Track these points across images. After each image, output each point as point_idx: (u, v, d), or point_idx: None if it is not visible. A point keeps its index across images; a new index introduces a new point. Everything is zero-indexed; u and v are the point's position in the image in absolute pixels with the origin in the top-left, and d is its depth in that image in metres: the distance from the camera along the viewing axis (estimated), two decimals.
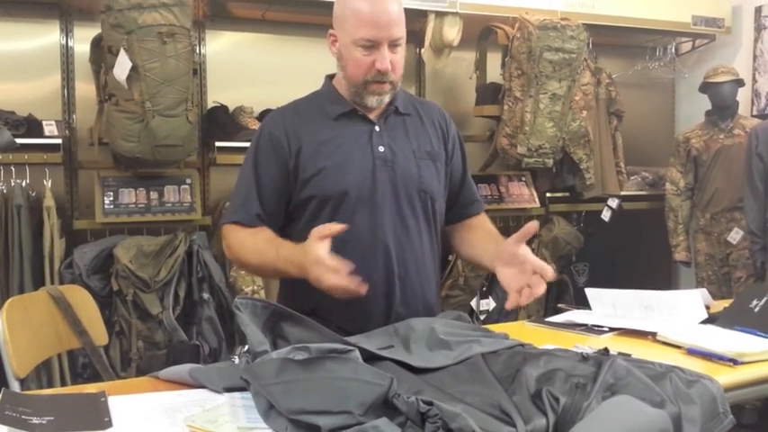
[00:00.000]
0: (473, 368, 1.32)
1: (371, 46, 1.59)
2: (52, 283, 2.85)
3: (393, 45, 1.61)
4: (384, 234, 1.65)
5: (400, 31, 1.62)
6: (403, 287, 1.67)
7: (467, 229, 1.85)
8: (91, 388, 1.33)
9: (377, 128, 1.68)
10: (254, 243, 1.63)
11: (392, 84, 1.65)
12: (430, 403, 1.04)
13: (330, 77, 1.77)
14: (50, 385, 2.77)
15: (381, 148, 1.67)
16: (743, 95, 4.00)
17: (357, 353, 1.18)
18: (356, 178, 1.64)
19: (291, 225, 1.70)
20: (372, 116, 1.70)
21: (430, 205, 1.72)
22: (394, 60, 1.62)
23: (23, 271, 2.86)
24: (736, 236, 3.82)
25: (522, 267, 1.52)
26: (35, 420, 1.11)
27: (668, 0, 4.09)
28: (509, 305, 1.54)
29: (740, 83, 3.87)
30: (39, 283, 2.86)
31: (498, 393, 1.19)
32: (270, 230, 1.64)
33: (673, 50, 4.47)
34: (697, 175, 3.99)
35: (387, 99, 1.67)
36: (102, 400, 1.23)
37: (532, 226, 1.53)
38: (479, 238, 1.80)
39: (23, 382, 1.70)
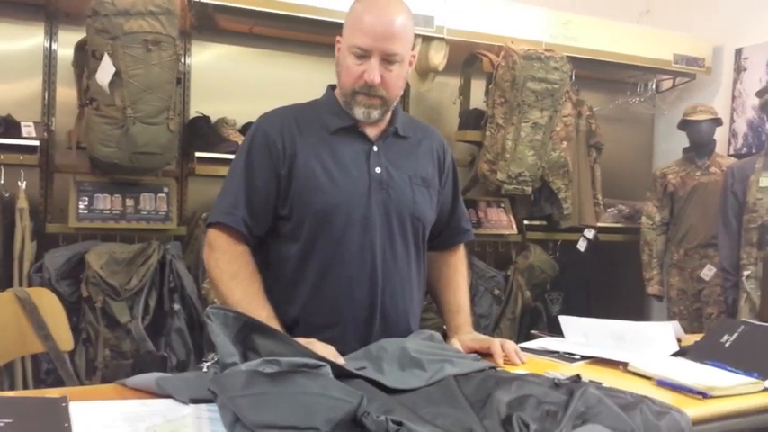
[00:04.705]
0: (445, 390, 1.31)
1: (363, 55, 1.55)
2: (21, 285, 2.80)
3: (387, 60, 1.56)
4: (373, 257, 1.60)
5: (397, 48, 1.55)
6: (385, 315, 1.62)
7: (444, 266, 1.86)
8: (53, 392, 1.29)
9: (375, 148, 1.64)
10: (245, 288, 1.55)
11: (383, 99, 1.59)
12: (399, 423, 1.03)
13: (332, 87, 1.72)
14: (12, 389, 2.70)
15: (378, 170, 1.62)
16: (720, 134, 4.07)
17: (328, 368, 1.16)
18: (350, 197, 1.59)
19: (278, 238, 1.63)
20: (371, 135, 1.65)
21: (421, 232, 1.69)
22: (386, 77, 1.56)
23: None
24: (708, 272, 3.86)
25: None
26: None
27: (651, 38, 4.17)
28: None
29: (718, 122, 3.94)
30: (7, 285, 2.80)
31: (469, 417, 1.18)
32: (257, 275, 1.58)
33: (653, 87, 4.54)
34: (673, 211, 4.04)
35: (376, 115, 1.61)
36: (63, 405, 1.19)
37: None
38: (451, 288, 1.84)
39: None
